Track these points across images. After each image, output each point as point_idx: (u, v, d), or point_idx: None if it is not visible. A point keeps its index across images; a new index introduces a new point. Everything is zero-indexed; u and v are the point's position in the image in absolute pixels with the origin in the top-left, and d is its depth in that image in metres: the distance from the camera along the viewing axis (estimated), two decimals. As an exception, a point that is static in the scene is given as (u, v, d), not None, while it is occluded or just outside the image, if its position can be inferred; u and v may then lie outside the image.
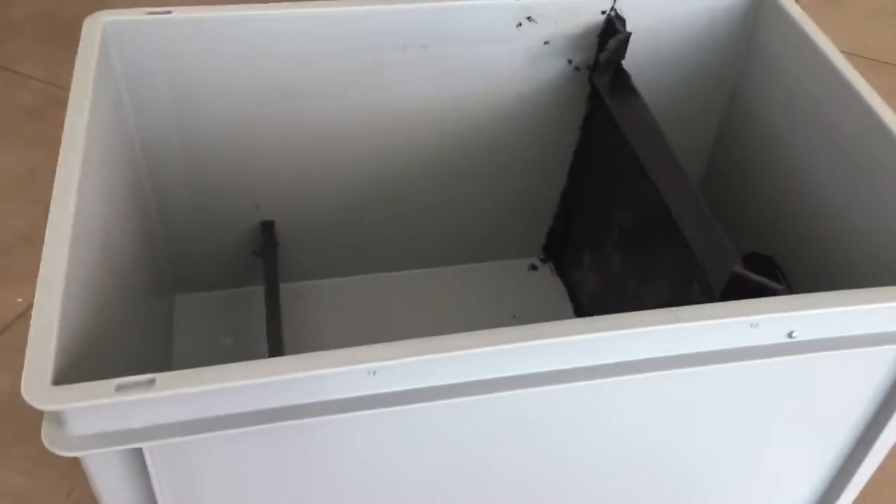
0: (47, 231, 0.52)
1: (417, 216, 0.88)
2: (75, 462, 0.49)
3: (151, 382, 0.45)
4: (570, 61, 0.79)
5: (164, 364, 0.80)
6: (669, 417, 0.58)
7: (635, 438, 0.59)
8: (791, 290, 0.58)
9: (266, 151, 0.80)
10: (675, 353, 0.53)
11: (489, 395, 0.51)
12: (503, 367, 0.51)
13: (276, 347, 0.76)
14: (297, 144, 0.80)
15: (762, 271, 0.62)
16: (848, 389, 0.60)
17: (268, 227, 0.85)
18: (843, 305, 0.53)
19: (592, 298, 0.86)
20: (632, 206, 0.76)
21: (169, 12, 0.69)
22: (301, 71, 0.75)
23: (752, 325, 0.52)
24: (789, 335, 0.54)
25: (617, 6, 0.75)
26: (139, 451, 0.48)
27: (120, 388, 0.45)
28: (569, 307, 0.91)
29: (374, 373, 0.49)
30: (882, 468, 0.66)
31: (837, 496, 0.68)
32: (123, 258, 0.67)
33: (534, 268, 0.95)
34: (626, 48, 0.76)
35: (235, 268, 0.88)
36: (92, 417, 0.46)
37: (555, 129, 0.84)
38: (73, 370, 0.47)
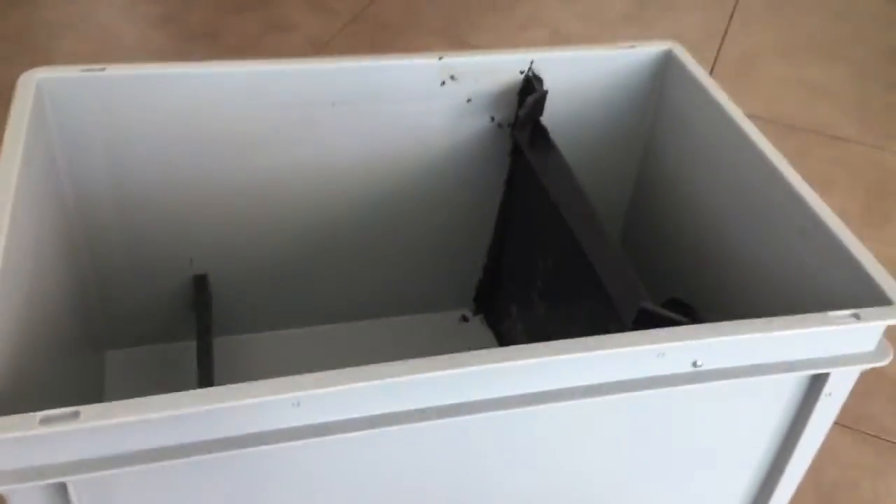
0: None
1: (349, 269, 0.90)
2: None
3: (76, 415, 0.46)
4: (492, 118, 0.83)
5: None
6: (584, 446, 0.60)
7: (552, 467, 0.61)
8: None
9: (199, 205, 0.82)
10: (585, 382, 0.55)
11: (410, 425, 0.53)
12: (425, 397, 0.53)
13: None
14: (230, 198, 0.82)
15: (680, 314, 0.66)
16: (755, 416, 0.63)
17: (200, 281, 0.87)
18: (744, 334, 0.57)
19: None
20: (553, 255, 0.79)
21: (103, 69, 0.72)
22: (233, 127, 0.78)
23: (658, 355, 0.55)
24: (694, 364, 0.57)
25: (534, 66, 0.80)
26: (63, 486, 0.49)
27: (44, 420, 0.46)
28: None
29: (299, 404, 0.50)
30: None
31: (754, 526, 0.71)
32: (53, 310, 0.67)
33: (465, 319, 0.97)
34: (543, 105, 0.80)
35: (169, 322, 0.89)
36: (15, 450, 0.46)
37: (480, 182, 0.88)
38: (-3, 409, 0.48)
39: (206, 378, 0.80)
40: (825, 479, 0.88)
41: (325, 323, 0.94)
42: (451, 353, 0.91)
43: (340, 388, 0.50)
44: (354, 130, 0.80)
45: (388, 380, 0.51)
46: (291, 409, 0.50)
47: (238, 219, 0.84)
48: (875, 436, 0.93)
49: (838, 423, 0.93)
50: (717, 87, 0.78)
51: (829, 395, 0.62)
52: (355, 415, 0.52)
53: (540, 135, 0.81)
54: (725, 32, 1.62)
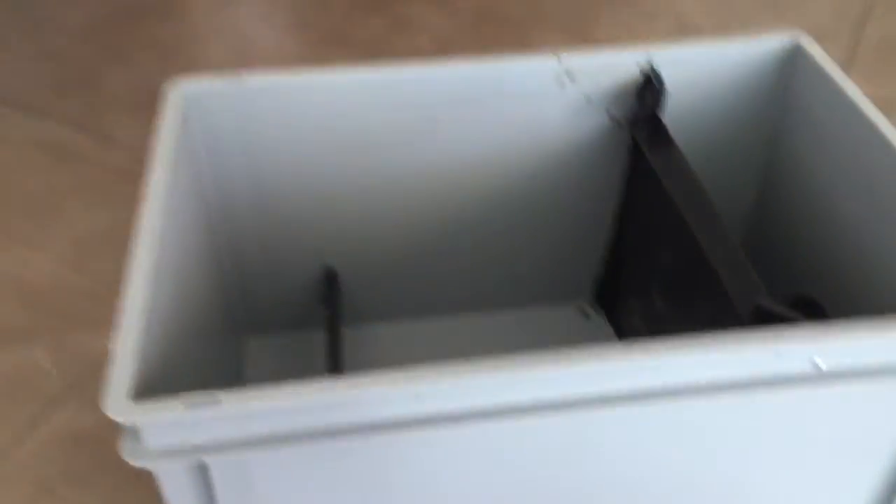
0: (130, 272, 0.58)
1: (471, 262, 0.93)
2: (152, 490, 0.54)
3: (217, 400, 0.51)
4: (611, 115, 0.84)
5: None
6: (697, 445, 0.60)
7: (664, 465, 0.61)
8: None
9: (329, 204, 0.86)
10: (699, 380, 0.56)
11: (526, 419, 0.55)
12: (543, 391, 0.55)
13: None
14: (358, 197, 0.86)
15: (807, 313, 0.65)
16: (879, 421, 0.61)
17: (330, 275, 0.91)
18: (866, 332, 0.56)
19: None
20: (672, 251, 0.79)
21: (242, 77, 0.77)
22: (362, 128, 0.81)
23: (774, 354, 0.55)
24: (813, 364, 0.56)
25: (653, 62, 0.80)
26: (205, 465, 0.54)
27: (189, 405, 0.50)
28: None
29: (419, 395, 0.53)
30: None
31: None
32: (197, 299, 0.73)
33: (584, 313, 0.98)
34: (662, 102, 0.80)
35: (302, 313, 0.94)
36: (163, 431, 0.51)
37: (599, 179, 0.88)
38: (149, 391, 0.53)
39: (335, 366, 0.85)
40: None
41: (447, 314, 0.97)
42: (571, 345, 0.93)
43: (459, 380, 0.53)
44: (475, 129, 0.83)
45: (506, 373, 0.53)
46: (412, 401, 0.53)
47: (365, 216, 0.88)
48: None
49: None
50: (849, 82, 0.75)
51: (961, 398, 0.60)
52: (474, 406, 0.55)
53: (659, 132, 0.81)
54: (868, 15, 1.54)
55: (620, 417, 0.57)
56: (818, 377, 0.57)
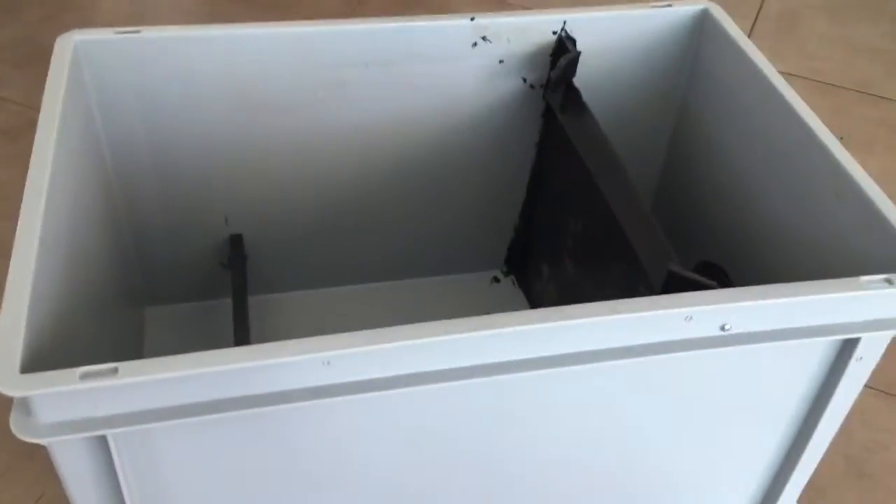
0: (16, 237, 0.54)
1: (382, 229, 0.91)
2: (46, 467, 0.51)
3: (114, 371, 0.48)
4: (524, 79, 0.83)
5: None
6: (612, 407, 0.61)
7: (579, 428, 0.62)
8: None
9: (234, 165, 0.83)
10: (614, 345, 0.56)
11: (442, 385, 0.54)
12: (455, 357, 0.54)
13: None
14: (264, 159, 0.83)
15: (711, 278, 0.66)
16: (781, 382, 0.63)
17: (236, 241, 0.88)
18: (773, 298, 0.57)
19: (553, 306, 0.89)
20: (584, 216, 0.80)
21: (138, 31, 0.72)
22: (266, 88, 0.78)
23: (686, 318, 0.56)
24: (722, 328, 0.57)
25: (567, 27, 0.79)
26: (104, 439, 0.51)
27: (84, 376, 0.47)
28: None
29: (329, 363, 0.51)
30: (828, 466, 0.69)
31: (780, 491, 0.71)
32: (93, 266, 0.69)
33: (496, 280, 0.98)
34: (576, 66, 0.80)
35: (206, 280, 0.90)
36: (57, 405, 0.48)
37: (512, 144, 0.88)
38: (40, 362, 0.49)
39: (241, 335, 0.82)
40: (855, 442, 0.88)
41: (357, 283, 0.95)
42: (483, 313, 0.92)
43: (369, 348, 0.51)
44: (387, 91, 0.81)
45: (417, 341, 0.52)
46: (322, 368, 0.52)
47: (272, 179, 0.85)
48: (908, 400, 0.93)
49: (870, 387, 0.93)
50: (754, 48, 0.76)
51: (860, 359, 0.62)
52: (383, 375, 0.53)
53: (572, 97, 0.81)
54: (767, -11, 1.58)
55: (533, 383, 0.57)
56: (726, 340, 0.58)
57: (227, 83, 0.77)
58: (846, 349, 0.61)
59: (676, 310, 0.55)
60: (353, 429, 0.56)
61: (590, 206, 0.77)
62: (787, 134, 0.72)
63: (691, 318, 0.56)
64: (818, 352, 0.62)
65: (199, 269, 0.89)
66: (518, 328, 0.54)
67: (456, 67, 0.80)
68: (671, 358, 0.57)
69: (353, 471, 0.60)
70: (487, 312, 0.93)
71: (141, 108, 0.77)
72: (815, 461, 0.70)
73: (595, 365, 0.55)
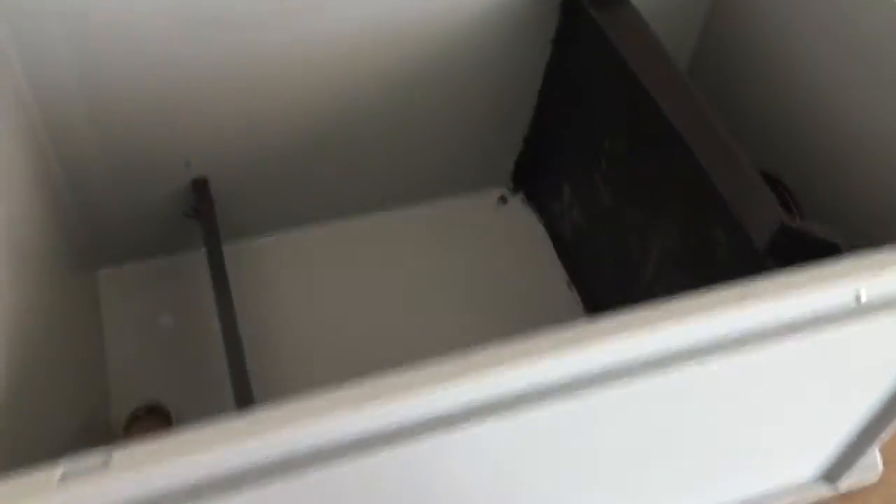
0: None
1: (368, 155, 0.77)
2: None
3: (104, 463, 0.35)
4: (541, -35, 0.67)
5: (97, 358, 0.69)
6: (732, 397, 0.50)
7: (702, 418, 0.51)
8: (839, 242, 0.50)
9: (188, 96, 0.67)
10: (733, 334, 0.44)
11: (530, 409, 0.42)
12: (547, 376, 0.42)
13: (229, 326, 0.66)
14: (224, 85, 0.67)
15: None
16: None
17: (200, 185, 0.73)
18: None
19: (578, 233, 0.77)
20: (627, 135, 0.66)
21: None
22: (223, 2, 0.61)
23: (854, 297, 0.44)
24: (855, 298, 0.46)
25: None
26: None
27: (66, 477, 0.34)
28: (547, 243, 0.82)
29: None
30: None
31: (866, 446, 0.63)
32: (22, 228, 0.54)
33: (503, 200, 0.85)
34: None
35: (166, 232, 0.75)
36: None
37: (520, 42, 0.73)
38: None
39: (221, 294, 0.68)
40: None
41: (345, 217, 0.81)
42: (490, 241, 0.79)
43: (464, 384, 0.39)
44: (374, -8, 0.64)
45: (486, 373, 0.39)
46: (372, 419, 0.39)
47: (235, 108, 0.69)
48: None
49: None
50: None
51: None
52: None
53: (606, -15, 0.66)
54: None
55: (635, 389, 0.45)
56: (858, 311, 0.47)
57: (176, -2, 0.60)
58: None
59: (808, 289, 0.43)
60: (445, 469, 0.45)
61: (640, 124, 0.63)
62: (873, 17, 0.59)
63: (826, 294, 0.44)
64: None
65: (157, 220, 0.74)
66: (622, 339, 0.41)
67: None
68: (796, 337, 0.46)
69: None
70: (496, 240, 0.82)
71: (66, 34, 0.59)
72: None
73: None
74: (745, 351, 0.45)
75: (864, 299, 0.46)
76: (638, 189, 0.67)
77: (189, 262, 0.76)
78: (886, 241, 0.51)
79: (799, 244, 0.49)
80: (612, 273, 0.73)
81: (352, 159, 0.76)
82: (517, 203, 0.85)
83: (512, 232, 0.83)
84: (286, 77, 0.68)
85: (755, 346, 0.45)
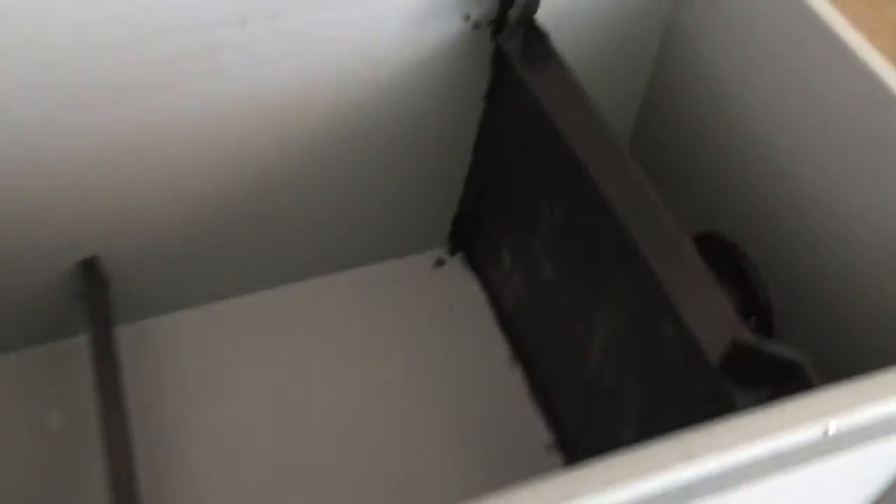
0: None
1: (286, 222, 0.69)
2: None
3: None
4: (467, 17, 0.60)
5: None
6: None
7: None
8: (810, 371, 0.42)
9: (74, 168, 0.59)
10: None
11: None
12: None
13: (116, 432, 0.57)
14: (116, 157, 0.59)
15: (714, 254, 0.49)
16: (861, 476, 0.46)
17: (88, 265, 0.64)
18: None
19: (519, 305, 0.70)
20: (568, 207, 0.59)
21: None
22: (111, 63, 0.53)
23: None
24: (825, 433, 0.39)
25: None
26: None
27: None
28: (487, 311, 0.74)
29: None
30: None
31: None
32: None
33: (440, 263, 0.77)
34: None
35: (55, 318, 0.67)
36: None
37: (452, 99, 0.65)
38: None
39: (108, 384, 0.60)
40: None
41: (262, 289, 0.73)
42: (427, 306, 0.72)
43: None
44: (276, 54, 0.57)
45: None
46: None
47: (128, 180, 0.61)
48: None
49: None
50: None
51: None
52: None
53: (535, 40, 0.59)
54: None
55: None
56: (825, 444, 0.40)
57: (51, 60, 0.52)
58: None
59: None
60: None
61: (578, 198, 0.56)
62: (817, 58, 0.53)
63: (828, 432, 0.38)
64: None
65: (42, 305, 0.66)
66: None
67: (374, 11, 0.56)
68: (763, 475, 0.39)
69: None
70: (432, 308, 0.74)
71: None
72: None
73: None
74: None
75: (832, 432, 0.40)
76: (579, 267, 0.60)
77: (79, 347, 0.68)
78: (845, 299, 0.45)
79: (756, 360, 0.42)
80: (557, 353, 0.66)
81: (264, 230, 0.68)
82: (456, 265, 0.77)
83: (450, 298, 0.75)
84: (184, 145, 0.60)
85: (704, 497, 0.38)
